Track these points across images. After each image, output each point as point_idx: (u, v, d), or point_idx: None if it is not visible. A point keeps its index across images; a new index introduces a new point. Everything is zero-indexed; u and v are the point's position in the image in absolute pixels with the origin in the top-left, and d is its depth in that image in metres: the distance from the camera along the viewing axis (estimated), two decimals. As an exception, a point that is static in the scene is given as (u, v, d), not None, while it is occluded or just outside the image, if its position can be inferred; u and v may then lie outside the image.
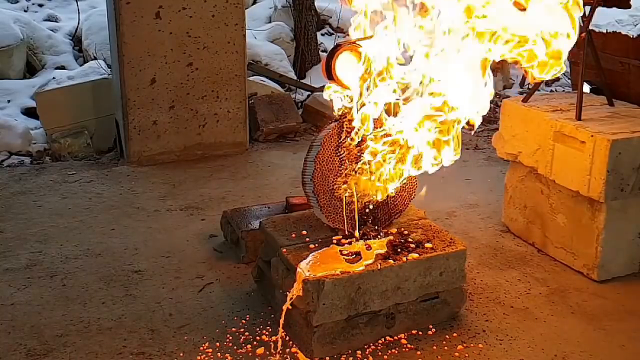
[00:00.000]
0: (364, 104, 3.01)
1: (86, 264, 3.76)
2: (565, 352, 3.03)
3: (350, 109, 3.06)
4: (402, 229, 3.26)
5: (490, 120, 5.96)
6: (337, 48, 2.95)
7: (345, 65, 2.96)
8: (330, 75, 2.94)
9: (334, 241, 3.14)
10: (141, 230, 4.19)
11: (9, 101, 6.51)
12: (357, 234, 3.14)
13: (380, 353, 2.98)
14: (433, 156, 3.01)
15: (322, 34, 8.49)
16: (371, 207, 3.21)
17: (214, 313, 3.29)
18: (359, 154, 3.10)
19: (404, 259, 3.03)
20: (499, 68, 7.36)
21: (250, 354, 2.97)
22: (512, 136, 3.97)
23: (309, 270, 2.89)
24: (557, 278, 3.66)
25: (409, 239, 3.18)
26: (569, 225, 3.71)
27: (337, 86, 3.05)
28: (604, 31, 4.25)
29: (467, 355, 2.99)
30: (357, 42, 2.98)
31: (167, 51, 5.15)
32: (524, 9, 2.75)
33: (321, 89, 6.62)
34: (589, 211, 3.57)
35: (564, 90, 6.72)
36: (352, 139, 3.07)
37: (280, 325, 2.93)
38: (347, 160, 3.12)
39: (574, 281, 3.62)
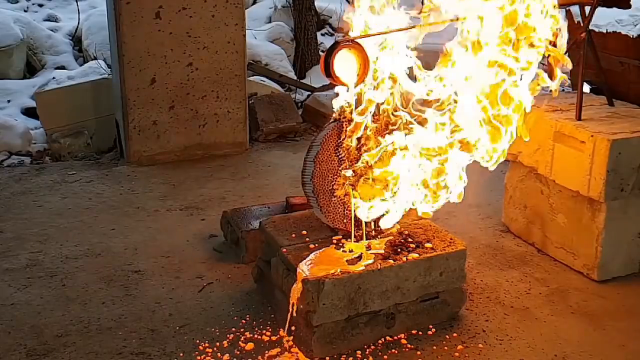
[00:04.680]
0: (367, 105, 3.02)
1: (86, 264, 3.77)
2: (565, 352, 3.03)
3: (350, 108, 3.06)
4: (402, 229, 3.26)
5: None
6: (335, 45, 2.94)
7: (344, 62, 2.95)
8: (328, 72, 2.94)
9: (334, 241, 3.14)
10: (141, 230, 4.19)
11: (9, 101, 6.52)
12: (357, 234, 3.14)
13: (380, 353, 2.98)
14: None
15: (322, 34, 8.49)
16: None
17: (214, 313, 3.29)
18: (358, 154, 3.10)
19: (404, 259, 3.03)
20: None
21: (250, 354, 2.97)
22: (512, 136, 3.97)
23: (309, 270, 2.89)
24: (557, 278, 3.66)
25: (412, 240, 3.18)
26: (569, 225, 3.70)
27: (335, 84, 3.05)
28: (604, 31, 4.25)
29: (467, 355, 2.99)
30: (356, 40, 2.98)
31: (167, 51, 5.15)
32: None
33: (321, 89, 6.64)
34: (589, 211, 3.57)
35: (564, 90, 6.71)
36: (350, 139, 3.07)
37: (287, 327, 2.93)
38: (346, 161, 3.12)
39: (574, 281, 3.62)
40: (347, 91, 3.04)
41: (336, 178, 3.14)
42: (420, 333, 3.11)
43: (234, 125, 5.52)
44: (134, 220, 4.33)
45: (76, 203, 4.59)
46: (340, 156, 3.14)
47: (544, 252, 3.89)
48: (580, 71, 3.71)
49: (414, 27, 3.03)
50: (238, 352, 2.97)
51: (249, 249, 3.71)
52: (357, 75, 2.97)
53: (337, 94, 3.11)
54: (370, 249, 3.05)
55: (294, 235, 3.22)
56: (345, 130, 3.09)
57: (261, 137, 5.88)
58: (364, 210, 3.06)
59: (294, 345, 2.99)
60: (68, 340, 3.09)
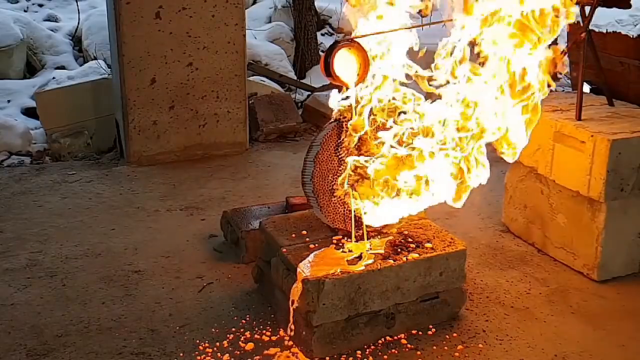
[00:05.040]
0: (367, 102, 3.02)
1: (86, 264, 3.76)
2: (565, 352, 3.03)
3: (350, 108, 3.06)
4: (402, 229, 3.26)
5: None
6: (335, 45, 2.94)
7: (344, 62, 2.95)
8: (328, 72, 2.94)
9: (334, 241, 3.14)
10: (141, 230, 4.19)
11: (9, 101, 6.52)
12: (357, 234, 3.14)
13: (380, 353, 2.98)
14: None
15: (322, 34, 8.49)
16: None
17: (214, 313, 3.29)
18: (358, 153, 3.10)
19: (404, 259, 3.03)
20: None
21: (250, 354, 2.97)
22: (512, 136, 3.96)
23: (309, 270, 2.89)
24: (557, 278, 3.65)
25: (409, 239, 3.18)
26: (569, 225, 3.70)
27: (335, 83, 3.05)
28: (604, 31, 4.24)
29: (467, 355, 2.99)
30: (356, 39, 2.98)
31: (167, 51, 5.15)
32: None
33: (321, 89, 6.64)
34: (589, 211, 3.57)
35: (564, 90, 6.72)
36: (349, 138, 3.06)
37: (287, 327, 2.93)
38: (346, 161, 3.12)
39: (574, 281, 3.62)
40: (346, 90, 3.04)
41: (336, 178, 3.14)
42: (420, 333, 3.11)
43: (234, 125, 5.52)
44: (134, 220, 4.33)
45: (76, 203, 4.59)
46: (340, 156, 3.14)
47: (544, 252, 3.89)
48: (581, 71, 3.71)
49: (413, 26, 3.03)
50: (238, 352, 2.97)
51: (249, 249, 3.71)
52: (357, 74, 2.97)
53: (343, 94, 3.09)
54: (370, 249, 3.05)
55: (294, 235, 3.22)
56: (345, 130, 3.09)
57: (261, 137, 5.88)
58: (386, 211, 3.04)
59: (294, 345, 3.00)
60: (68, 340, 3.08)
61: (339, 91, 3.10)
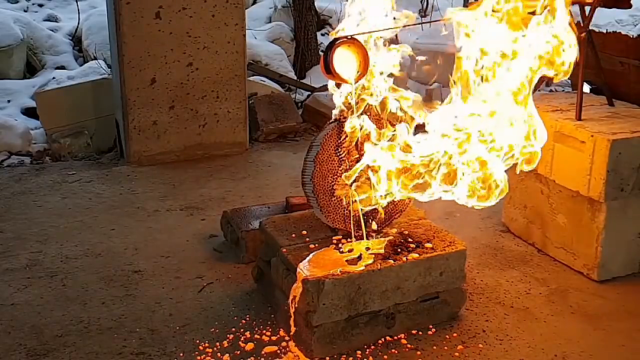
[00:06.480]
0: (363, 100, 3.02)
1: (86, 264, 3.77)
2: (565, 352, 3.03)
3: (350, 107, 3.06)
4: (402, 229, 3.26)
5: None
6: (334, 42, 2.94)
7: (344, 60, 2.95)
8: (328, 70, 2.93)
9: (334, 241, 3.14)
10: (141, 230, 4.19)
11: (9, 101, 6.52)
12: (357, 234, 3.14)
13: (380, 353, 2.98)
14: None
15: (322, 34, 8.50)
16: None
17: (214, 313, 3.29)
18: (358, 154, 3.10)
19: (404, 259, 3.03)
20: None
21: (250, 354, 2.97)
22: (512, 136, 3.96)
23: (309, 270, 2.89)
24: (557, 278, 3.66)
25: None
26: (569, 225, 3.71)
27: (336, 81, 3.04)
28: (604, 31, 4.25)
29: (467, 355, 2.99)
30: (355, 37, 2.98)
31: (167, 51, 5.16)
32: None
33: (321, 89, 6.65)
34: (589, 211, 3.57)
35: (564, 90, 6.72)
36: (350, 139, 3.06)
37: (291, 334, 2.94)
38: (346, 161, 3.12)
39: (574, 281, 3.62)
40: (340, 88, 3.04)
41: (336, 178, 3.14)
42: (420, 333, 3.11)
43: (234, 125, 5.52)
44: (134, 220, 4.33)
45: (76, 203, 4.59)
46: (340, 156, 3.14)
47: (544, 252, 3.89)
48: (581, 71, 3.71)
49: (411, 25, 3.03)
50: (238, 352, 2.97)
51: (249, 249, 3.72)
52: (357, 71, 2.97)
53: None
54: (370, 249, 3.05)
55: (294, 235, 3.22)
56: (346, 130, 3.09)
57: (261, 137, 5.88)
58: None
59: (294, 345, 3.00)
60: (68, 340, 3.08)
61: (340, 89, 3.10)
